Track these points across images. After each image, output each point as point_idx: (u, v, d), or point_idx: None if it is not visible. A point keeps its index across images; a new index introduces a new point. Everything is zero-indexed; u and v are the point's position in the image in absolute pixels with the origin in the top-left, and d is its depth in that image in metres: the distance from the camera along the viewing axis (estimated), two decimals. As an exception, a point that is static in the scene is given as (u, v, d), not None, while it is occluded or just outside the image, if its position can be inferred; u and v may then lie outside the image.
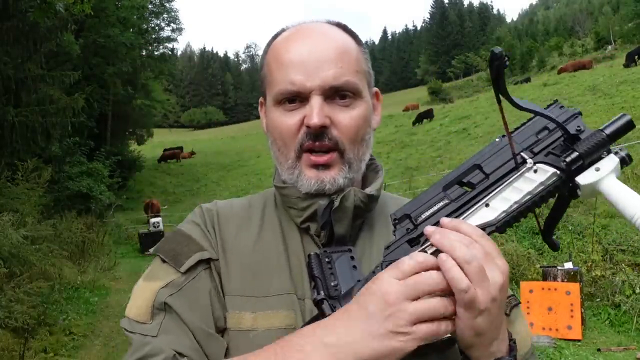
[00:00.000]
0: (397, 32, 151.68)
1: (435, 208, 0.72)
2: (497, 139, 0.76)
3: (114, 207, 19.53)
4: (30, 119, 11.40)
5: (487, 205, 0.70)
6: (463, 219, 0.70)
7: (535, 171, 0.70)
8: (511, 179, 0.70)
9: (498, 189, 0.70)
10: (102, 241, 13.25)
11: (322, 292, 0.77)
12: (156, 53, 33.81)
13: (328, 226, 0.84)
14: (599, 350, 5.47)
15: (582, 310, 5.98)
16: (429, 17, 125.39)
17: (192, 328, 0.79)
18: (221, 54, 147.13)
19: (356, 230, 0.88)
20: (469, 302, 0.62)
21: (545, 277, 6.36)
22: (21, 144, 11.31)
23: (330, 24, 0.91)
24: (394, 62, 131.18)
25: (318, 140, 0.82)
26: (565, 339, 5.76)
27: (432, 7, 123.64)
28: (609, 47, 47.26)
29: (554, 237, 0.76)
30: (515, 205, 0.69)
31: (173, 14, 35.13)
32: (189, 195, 26.89)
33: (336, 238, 0.84)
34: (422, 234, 0.70)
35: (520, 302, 0.92)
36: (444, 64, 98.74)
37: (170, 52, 37.19)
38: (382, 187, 0.91)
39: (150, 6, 32.61)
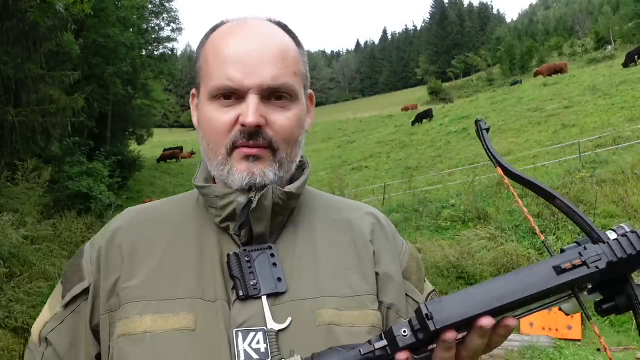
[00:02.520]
0: (397, 32, 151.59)
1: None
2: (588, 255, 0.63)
3: (114, 207, 19.51)
4: (30, 119, 11.40)
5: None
6: None
7: None
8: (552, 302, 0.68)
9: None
10: (102, 241, 13.21)
11: (241, 292, 0.78)
12: (156, 53, 33.78)
13: (247, 225, 0.83)
14: (598, 350, 5.47)
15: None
16: (429, 17, 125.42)
17: None
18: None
19: (279, 228, 0.87)
20: None
21: (545, 277, 6.35)
22: (21, 144, 11.31)
23: (272, 23, 0.91)
24: (394, 62, 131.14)
25: (252, 139, 0.81)
26: (565, 339, 5.75)
27: (432, 7, 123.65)
28: (609, 47, 47.22)
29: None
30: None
31: (173, 14, 35.10)
32: (189, 195, 26.81)
33: (255, 237, 0.83)
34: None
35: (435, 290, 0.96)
36: (444, 64, 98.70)
37: (170, 52, 37.15)
38: (305, 184, 0.91)
39: (150, 6, 32.58)
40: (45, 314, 0.88)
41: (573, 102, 22.11)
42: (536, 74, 39.15)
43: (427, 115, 32.88)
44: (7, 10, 10.98)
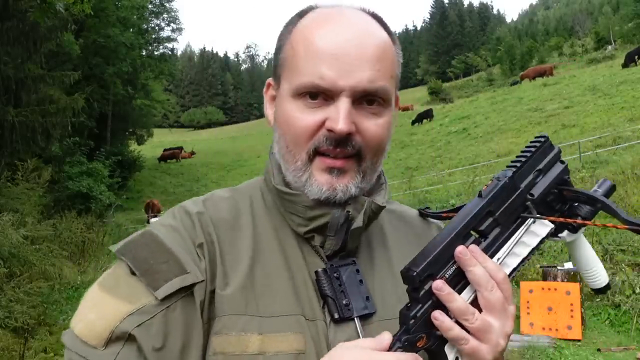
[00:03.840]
0: (397, 32, 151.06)
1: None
2: (497, 176, 0.73)
3: (114, 207, 19.51)
4: (30, 119, 11.40)
5: (499, 261, 0.70)
6: None
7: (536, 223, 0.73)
8: (521, 235, 0.71)
9: (509, 244, 0.71)
10: (102, 241, 13.23)
11: (336, 314, 0.73)
12: (156, 53, 33.79)
13: (341, 240, 0.75)
14: (598, 350, 5.47)
15: (582, 310, 5.98)
16: (429, 17, 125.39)
17: None
18: (221, 54, 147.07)
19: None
20: (473, 356, 0.65)
21: (545, 277, 6.36)
22: (21, 144, 11.31)
23: (367, 14, 0.80)
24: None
25: (339, 146, 0.73)
26: (565, 339, 5.75)
27: (432, 7, 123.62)
28: (609, 47, 47.19)
29: None
30: (521, 260, 0.72)
31: (173, 14, 35.14)
32: (189, 195, 26.28)
33: (347, 252, 0.77)
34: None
35: None
36: (444, 64, 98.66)
37: (170, 52, 37.16)
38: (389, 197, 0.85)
39: (150, 6, 32.59)
40: (115, 305, 0.68)
41: (573, 102, 22.11)
42: (522, 77, 39.71)
43: (427, 115, 32.89)
44: (7, 10, 10.98)
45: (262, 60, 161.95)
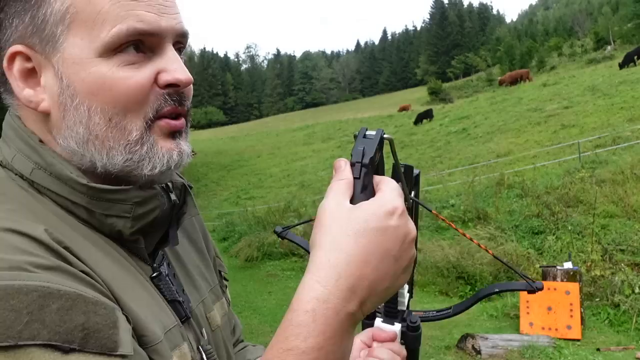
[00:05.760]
0: (397, 32, 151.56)
1: None
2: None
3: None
4: (30, 119, 11.42)
5: None
6: None
7: None
8: None
9: None
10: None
11: (183, 314, 0.65)
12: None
13: (163, 232, 0.65)
14: (598, 349, 5.48)
15: (582, 310, 5.99)
16: (428, 17, 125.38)
17: None
18: (221, 54, 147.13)
19: None
20: None
21: (544, 277, 6.37)
22: (21, 144, 11.33)
23: None
24: (394, 62, 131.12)
25: (183, 103, 0.61)
26: (564, 339, 5.76)
27: (432, 7, 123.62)
28: (609, 47, 47.25)
29: None
30: None
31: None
32: (189, 196, 26.87)
33: (160, 245, 0.66)
34: None
35: None
36: (444, 64, 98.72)
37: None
38: None
39: (150, 6, 32.65)
40: None
41: (572, 102, 22.13)
42: (500, 82, 40.74)
43: (427, 115, 32.91)
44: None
45: (262, 60, 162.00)
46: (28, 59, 0.58)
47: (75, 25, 0.57)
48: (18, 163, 0.60)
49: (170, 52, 0.60)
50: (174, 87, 0.60)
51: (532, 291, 0.77)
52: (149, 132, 0.60)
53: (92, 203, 0.59)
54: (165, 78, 0.59)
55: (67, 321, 0.46)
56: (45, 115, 0.60)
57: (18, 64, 0.58)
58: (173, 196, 0.67)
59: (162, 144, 0.61)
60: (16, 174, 0.60)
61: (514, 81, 37.70)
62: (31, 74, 0.59)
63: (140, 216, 0.61)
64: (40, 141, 0.61)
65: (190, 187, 0.72)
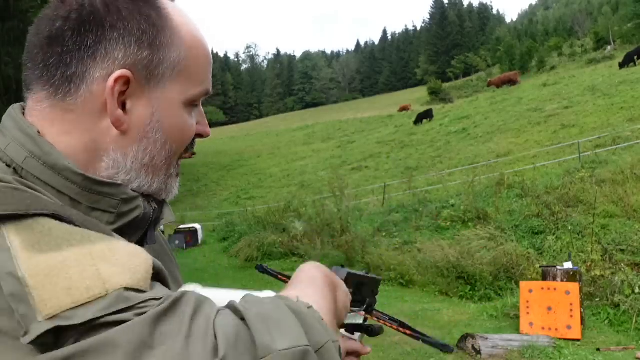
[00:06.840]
0: (397, 32, 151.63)
1: None
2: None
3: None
4: (31, 119, 11.40)
5: None
6: None
7: None
8: None
9: None
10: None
11: None
12: (156, 53, 33.83)
13: (139, 237, 0.70)
14: (598, 349, 5.48)
15: (582, 310, 5.99)
16: (428, 17, 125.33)
17: None
18: (221, 54, 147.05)
19: None
20: None
21: (544, 277, 6.37)
22: (21, 144, 11.31)
23: None
24: (394, 62, 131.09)
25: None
26: (564, 339, 5.76)
27: (432, 7, 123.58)
28: (609, 47, 47.23)
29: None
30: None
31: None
32: (189, 195, 26.89)
33: (148, 243, 0.72)
34: None
35: None
36: (444, 64, 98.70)
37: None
38: None
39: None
40: (116, 246, 0.54)
41: (572, 102, 22.13)
42: (489, 85, 41.84)
43: (427, 115, 32.91)
44: (9, 10, 11.00)
45: (262, 61, 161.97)
46: (126, 83, 0.63)
47: (179, 75, 0.67)
48: (11, 150, 0.61)
49: (201, 107, 0.73)
50: (199, 137, 0.73)
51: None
52: (173, 169, 0.72)
53: (81, 194, 0.61)
54: (201, 130, 0.72)
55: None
56: (111, 129, 0.64)
57: (119, 86, 0.63)
58: (153, 205, 0.72)
59: (174, 180, 0.73)
60: (4, 163, 0.61)
61: (504, 83, 38.69)
62: (119, 96, 0.63)
63: (124, 214, 0.65)
64: (39, 133, 0.62)
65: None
